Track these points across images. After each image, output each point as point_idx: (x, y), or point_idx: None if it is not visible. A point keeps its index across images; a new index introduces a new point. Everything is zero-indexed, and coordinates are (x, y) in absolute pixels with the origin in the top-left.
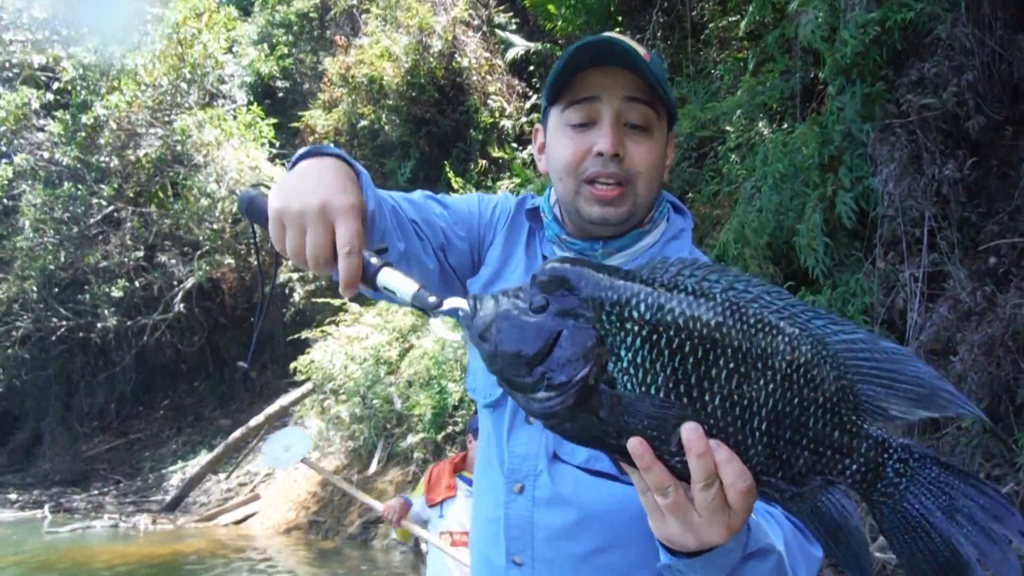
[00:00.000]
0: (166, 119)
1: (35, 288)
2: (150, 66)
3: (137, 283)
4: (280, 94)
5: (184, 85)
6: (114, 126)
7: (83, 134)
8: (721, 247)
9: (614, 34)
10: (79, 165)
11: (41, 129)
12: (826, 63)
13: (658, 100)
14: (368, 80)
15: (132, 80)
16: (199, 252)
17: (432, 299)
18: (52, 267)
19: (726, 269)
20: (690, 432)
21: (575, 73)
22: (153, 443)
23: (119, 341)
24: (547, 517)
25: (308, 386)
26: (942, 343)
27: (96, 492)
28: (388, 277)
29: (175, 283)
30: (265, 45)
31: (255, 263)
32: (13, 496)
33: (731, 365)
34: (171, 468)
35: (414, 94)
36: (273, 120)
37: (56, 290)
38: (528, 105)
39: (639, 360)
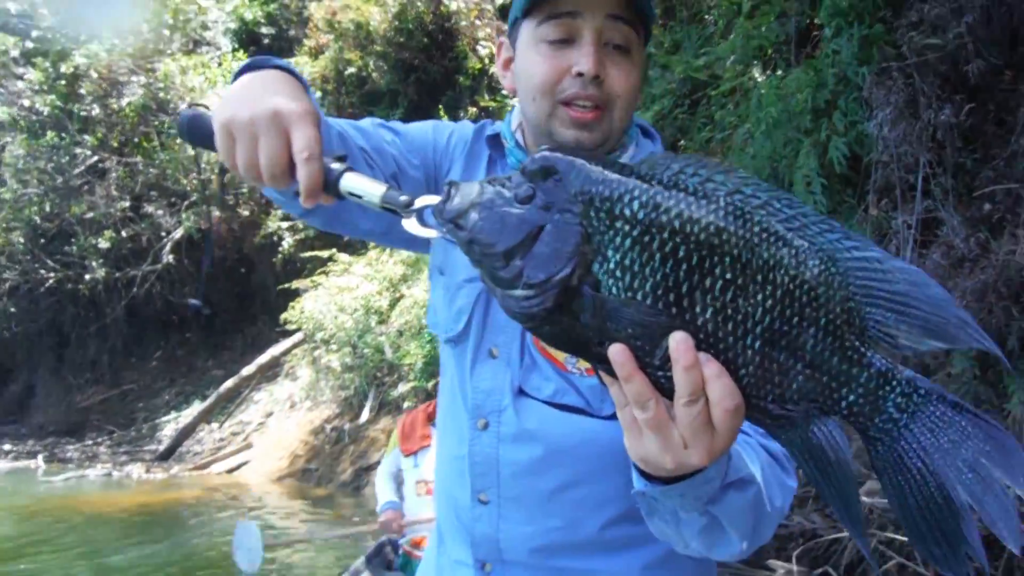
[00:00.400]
0: (148, 67)
1: (21, 240)
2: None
3: (124, 234)
4: (265, 41)
5: (167, 32)
6: (95, 75)
7: (63, 83)
8: None
9: None
10: (60, 114)
11: (20, 78)
12: (823, 4)
13: (639, 19)
14: (355, 25)
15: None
16: (186, 203)
17: (404, 198)
18: (37, 218)
19: (734, 170)
20: (679, 342)
21: None
22: (146, 394)
23: (109, 293)
24: (513, 453)
25: (299, 336)
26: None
27: (90, 442)
28: (353, 181)
29: (163, 234)
30: None
31: (204, 195)
32: (7, 447)
33: (728, 275)
34: (164, 418)
35: (402, 40)
36: None
37: (43, 241)
38: None
39: (627, 262)
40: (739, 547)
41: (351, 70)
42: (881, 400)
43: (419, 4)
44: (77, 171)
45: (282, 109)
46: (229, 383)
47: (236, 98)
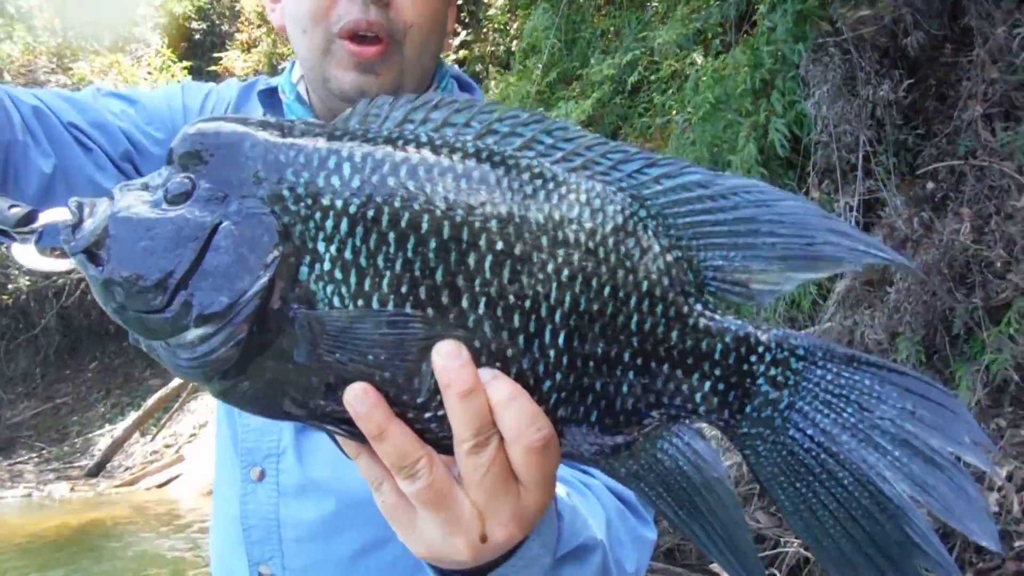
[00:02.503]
0: (68, 68)
1: None
2: (46, 9)
3: None
4: (197, 36)
5: (91, 28)
6: (8, 78)
7: None
8: None
9: None
10: None
11: None
12: None
13: None
14: None
15: (25, 27)
16: None
17: (14, 211)
18: None
19: (476, 104)
20: (446, 357)
21: None
22: (81, 406)
23: (39, 302)
24: (297, 510)
25: None
26: (877, 274)
27: (18, 461)
28: None
29: None
30: None
31: None
32: None
33: (499, 246)
34: (99, 432)
35: None
36: (188, 63)
37: None
38: (457, 42)
39: (348, 255)
40: None
41: (284, 64)
42: (748, 378)
43: None
44: None
45: None
46: (161, 393)
47: None
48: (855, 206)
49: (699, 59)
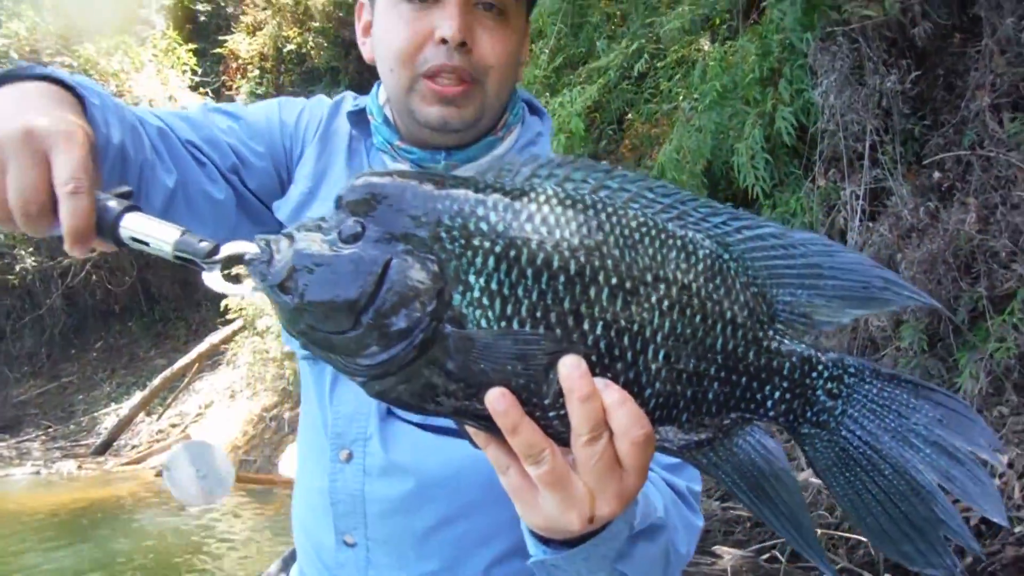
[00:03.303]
0: (74, 49)
1: None
2: None
3: None
4: (202, 18)
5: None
6: (15, 55)
7: None
8: (659, 168)
9: None
10: None
11: None
12: None
13: None
14: (293, 1)
15: (31, 5)
16: None
17: (203, 244)
18: None
19: (591, 164)
20: (570, 368)
21: None
22: (86, 386)
23: (45, 282)
24: (381, 488)
25: (239, 323)
26: (883, 262)
27: (25, 438)
28: (137, 223)
29: None
30: None
31: None
32: None
33: (613, 281)
34: (104, 411)
35: (342, 14)
36: (193, 46)
37: None
38: None
39: (494, 286)
40: None
41: (290, 47)
42: (809, 390)
43: None
44: None
45: (37, 127)
46: (166, 373)
47: None
48: (861, 195)
49: (706, 45)
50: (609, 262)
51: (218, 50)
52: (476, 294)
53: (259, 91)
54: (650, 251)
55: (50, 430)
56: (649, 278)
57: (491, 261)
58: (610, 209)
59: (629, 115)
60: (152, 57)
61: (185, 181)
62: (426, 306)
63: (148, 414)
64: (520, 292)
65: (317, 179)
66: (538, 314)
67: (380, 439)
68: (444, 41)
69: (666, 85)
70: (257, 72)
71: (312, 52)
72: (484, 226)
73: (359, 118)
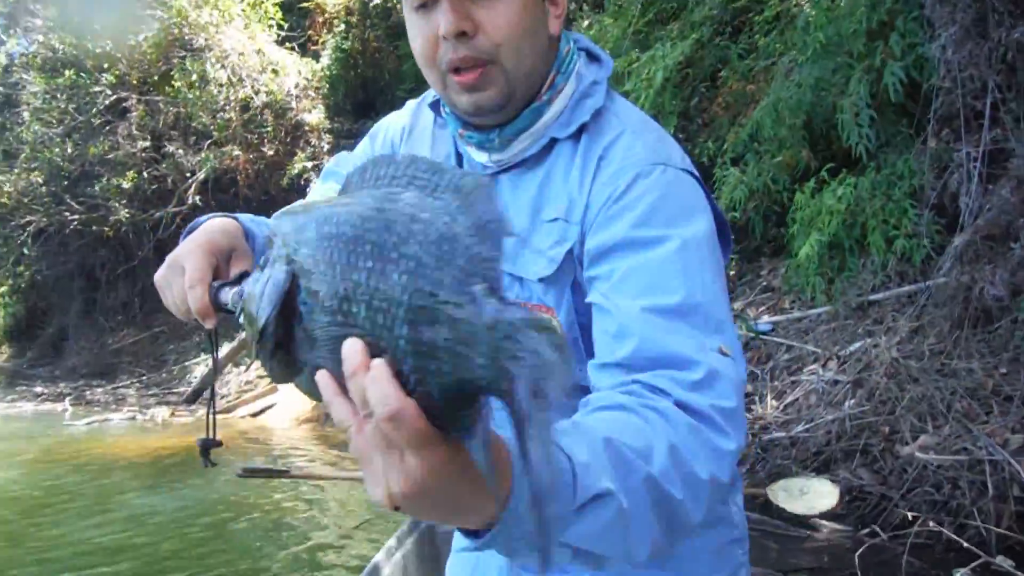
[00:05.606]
0: (166, 1)
1: (42, 181)
2: None
3: (147, 175)
4: None
5: None
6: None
7: (76, 19)
8: (754, 125)
9: None
10: (75, 52)
11: (35, 15)
12: None
13: None
14: None
15: None
16: (208, 142)
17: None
18: (59, 160)
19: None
20: (347, 349)
21: None
22: (177, 336)
23: (137, 234)
24: None
25: None
26: (1001, 228)
27: (120, 385)
28: (227, 298)
29: (187, 175)
30: None
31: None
32: (39, 389)
33: (370, 263)
34: (194, 360)
35: None
36: (279, 0)
37: (66, 183)
38: None
39: (314, 278)
40: (644, 553)
41: (376, 1)
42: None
43: None
44: (95, 110)
45: (176, 253)
46: None
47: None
48: (978, 156)
49: (805, 1)
50: (369, 244)
51: (304, 4)
52: (311, 288)
53: (344, 45)
54: (400, 226)
55: (144, 378)
56: (395, 254)
57: (313, 256)
58: (383, 192)
59: (723, 72)
60: (240, 12)
61: None
62: (276, 305)
63: (236, 365)
64: (329, 278)
65: None
66: (338, 297)
67: None
68: (447, 38)
69: (763, 41)
70: (343, 27)
71: (398, 6)
72: (310, 231)
73: (436, 108)
